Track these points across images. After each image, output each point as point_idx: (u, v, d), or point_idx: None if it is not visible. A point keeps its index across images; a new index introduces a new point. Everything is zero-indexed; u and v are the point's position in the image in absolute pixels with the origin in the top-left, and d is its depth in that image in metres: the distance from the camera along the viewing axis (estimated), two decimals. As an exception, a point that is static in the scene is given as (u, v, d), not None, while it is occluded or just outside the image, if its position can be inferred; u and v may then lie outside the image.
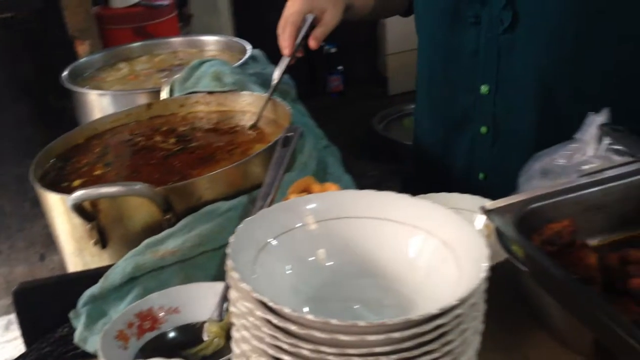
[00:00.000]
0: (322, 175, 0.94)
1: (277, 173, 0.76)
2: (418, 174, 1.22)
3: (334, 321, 0.41)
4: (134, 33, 2.10)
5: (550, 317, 0.64)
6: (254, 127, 1.03)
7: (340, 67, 3.42)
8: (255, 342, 0.44)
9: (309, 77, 3.44)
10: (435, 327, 0.43)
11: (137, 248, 0.75)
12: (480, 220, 0.81)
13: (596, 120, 0.79)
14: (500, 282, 0.71)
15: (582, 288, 0.54)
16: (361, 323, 0.41)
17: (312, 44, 1.04)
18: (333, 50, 3.35)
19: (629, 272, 0.58)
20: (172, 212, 0.78)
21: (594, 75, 0.95)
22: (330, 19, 1.03)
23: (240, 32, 2.77)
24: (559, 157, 0.83)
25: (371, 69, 3.53)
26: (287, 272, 0.51)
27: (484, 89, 1.01)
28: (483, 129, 1.03)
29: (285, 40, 1.00)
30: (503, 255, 0.65)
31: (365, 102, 3.35)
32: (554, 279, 0.55)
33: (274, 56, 1.06)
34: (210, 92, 1.08)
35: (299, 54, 1.04)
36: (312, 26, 1.02)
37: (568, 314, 0.58)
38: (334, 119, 3.22)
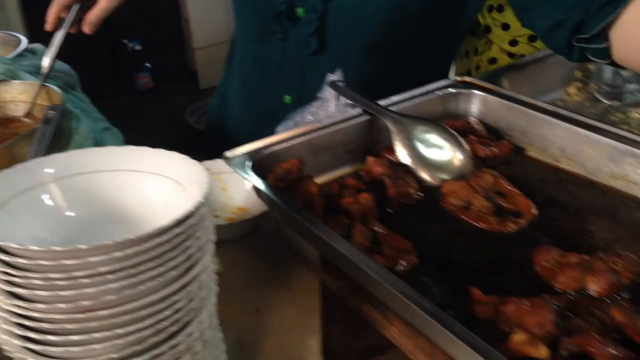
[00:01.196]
0: (99, 155, 0.97)
1: (38, 149, 0.79)
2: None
3: (56, 248, 0.46)
4: None
5: (293, 244, 0.75)
6: (29, 114, 1.03)
7: (147, 64, 3.38)
8: (-10, 283, 0.48)
9: (115, 75, 3.37)
10: (155, 245, 0.49)
11: None
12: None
13: (331, 79, 0.92)
14: (271, 227, 0.82)
15: (302, 211, 0.64)
16: (82, 246, 0.46)
17: (85, 28, 1.06)
18: (138, 47, 3.29)
19: (344, 195, 0.70)
20: None
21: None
22: (105, 2, 1.05)
23: (31, 30, 2.65)
24: (308, 113, 0.95)
25: (180, 64, 3.53)
26: (28, 226, 0.55)
27: (287, 98, 1.09)
28: None
29: (48, 16, 1.01)
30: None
31: (177, 97, 3.36)
32: (280, 207, 0.65)
33: (64, 52, 1.06)
34: (-24, 84, 1.06)
35: (72, 30, 1.06)
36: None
37: (299, 237, 0.68)
38: (145, 116, 3.20)
